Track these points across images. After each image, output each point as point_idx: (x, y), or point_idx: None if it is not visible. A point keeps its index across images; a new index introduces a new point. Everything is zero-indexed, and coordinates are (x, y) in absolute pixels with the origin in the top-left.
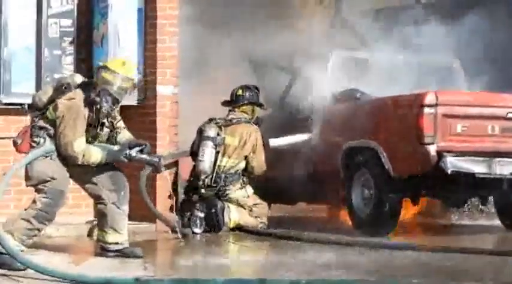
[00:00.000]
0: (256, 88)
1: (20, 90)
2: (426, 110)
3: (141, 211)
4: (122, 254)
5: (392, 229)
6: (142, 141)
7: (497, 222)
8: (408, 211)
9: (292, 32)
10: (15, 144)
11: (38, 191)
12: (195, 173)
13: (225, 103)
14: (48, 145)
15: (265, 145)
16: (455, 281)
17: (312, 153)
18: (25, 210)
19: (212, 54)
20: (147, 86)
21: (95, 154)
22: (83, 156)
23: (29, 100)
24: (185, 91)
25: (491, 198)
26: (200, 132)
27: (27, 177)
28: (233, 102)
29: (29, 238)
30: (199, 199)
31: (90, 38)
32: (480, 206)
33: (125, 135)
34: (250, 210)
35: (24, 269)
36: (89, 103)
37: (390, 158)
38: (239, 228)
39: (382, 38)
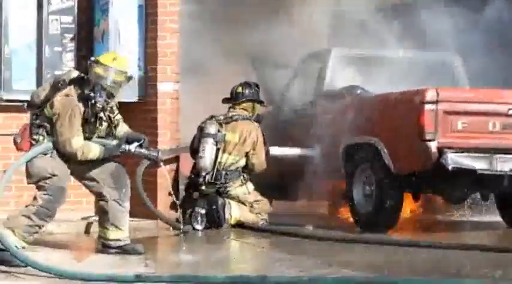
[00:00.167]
0: (257, 85)
1: (21, 87)
2: (427, 107)
3: (142, 208)
4: (123, 250)
5: (394, 226)
6: (141, 134)
7: (498, 218)
8: (408, 208)
9: (294, 29)
10: (15, 142)
11: (38, 188)
12: (195, 170)
13: (225, 100)
14: (48, 142)
15: (266, 149)
16: (455, 277)
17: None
18: (26, 206)
19: (213, 50)
20: (148, 83)
21: (93, 150)
22: (82, 152)
23: (29, 98)
24: (186, 87)
25: (492, 194)
26: (200, 129)
27: (28, 174)
28: (233, 99)
29: (30, 234)
30: (200, 196)
31: (90, 35)
32: (481, 202)
33: (123, 128)
34: (251, 207)
35: (24, 266)
36: (84, 98)
37: (391, 154)
38: (240, 225)
39: (383, 34)
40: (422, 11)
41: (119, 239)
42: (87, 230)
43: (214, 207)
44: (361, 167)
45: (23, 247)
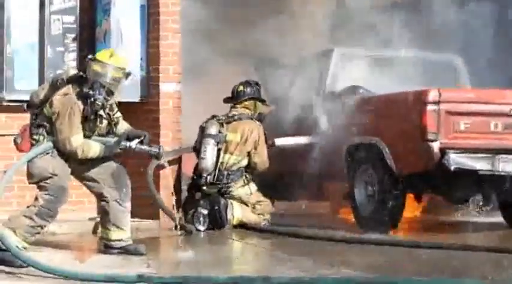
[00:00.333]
0: (257, 84)
1: (23, 87)
2: (429, 107)
3: (144, 209)
4: (125, 251)
5: (395, 226)
6: (141, 131)
7: (499, 219)
8: (410, 208)
9: (296, 29)
10: (15, 143)
11: (39, 188)
12: (198, 171)
13: (227, 100)
14: (48, 142)
15: (271, 143)
16: (456, 277)
17: (315, 150)
18: (27, 207)
19: (215, 50)
20: (150, 83)
21: (93, 147)
22: (82, 150)
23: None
24: (188, 87)
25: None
26: (202, 129)
27: (29, 175)
28: (234, 99)
29: (32, 235)
30: (203, 197)
31: (93, 35)
32: (482, 203)
33: (123, 126)
34: (253, 207)
35: (26, 267)
36: (83, 96)
37: (393, 155)
38: (242, 225)
39: (384, 34)
40: (424, 10)
41: (121, 240)
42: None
43: (216, 207)
44: (363, 167)
45: (24, 248)
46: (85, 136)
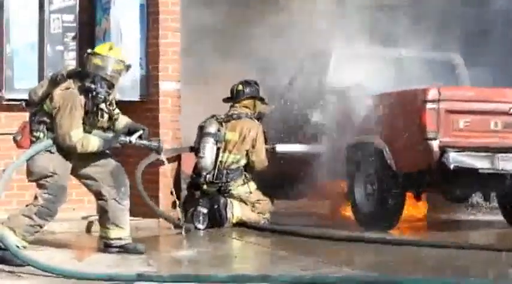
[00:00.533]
0: (256, 83)
1: (23, 86)
2: (429, 105)
3: (143, 207)
4: (125, 250)
5: (395, 225)
6: (141, 125)
7: (499, 217)
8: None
9: (295, 28)
10: (15, 140)
11: (39, 186)
12: (197, 169)
13: (226, 100)
14: (48, 139)
15: (271, 147)
16: (457, 276)
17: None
18: (26, 206)
19: (214, 50)
20: (149, 82)
21: (92, 142)
22: (81, 145)
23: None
24: (187, 86)
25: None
26: (201, 128)
27: (29, 173)
28: (234, 98)
29: (31, 234)
30: (202, 195)
31: (92, 34)
32: (482, 201)
33: (122, 121)
34: (253, 206)
35: (25, 266)
36: (85, 90)
37: (393, 153)
38: (242, 224)
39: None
40: (424, 9)
41: (120, 238)
42: (88, 230)
43: (216, 206)
44: (363, 166)
45: (24, 247)
46: (85, 131)
